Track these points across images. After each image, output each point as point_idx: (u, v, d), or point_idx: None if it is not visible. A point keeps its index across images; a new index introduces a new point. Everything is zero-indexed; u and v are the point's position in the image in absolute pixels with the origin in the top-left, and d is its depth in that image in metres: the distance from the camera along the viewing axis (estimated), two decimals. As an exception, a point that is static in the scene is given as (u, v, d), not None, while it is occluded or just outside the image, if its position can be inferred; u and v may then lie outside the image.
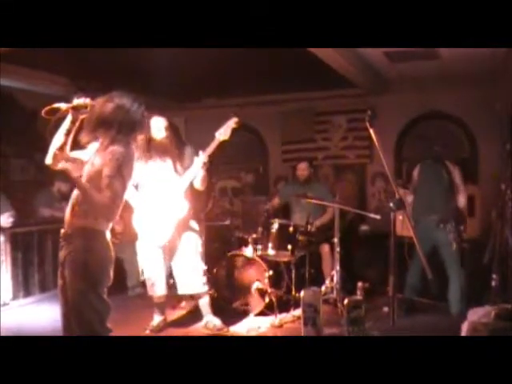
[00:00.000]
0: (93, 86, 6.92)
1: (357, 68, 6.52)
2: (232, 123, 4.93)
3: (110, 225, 3.13)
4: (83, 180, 3.06)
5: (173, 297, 5.60)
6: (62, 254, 3.09)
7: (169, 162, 5.01)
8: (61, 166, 3.14)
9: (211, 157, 4.92)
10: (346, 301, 3.23)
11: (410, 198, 5.74)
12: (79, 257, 2.99)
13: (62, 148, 3.14)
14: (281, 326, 5.29)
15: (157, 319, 5.27)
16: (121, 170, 3.00)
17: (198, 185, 5.01)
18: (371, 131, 3.46)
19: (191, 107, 8.92)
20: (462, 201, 5.58)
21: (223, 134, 4.90)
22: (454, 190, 5.55)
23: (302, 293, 3.74)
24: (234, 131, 4.97)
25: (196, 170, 4.89)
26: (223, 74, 7.01)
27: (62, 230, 3.12)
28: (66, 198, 6.83)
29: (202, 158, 4.86)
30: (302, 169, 6.70)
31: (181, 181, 4.95)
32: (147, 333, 5.13)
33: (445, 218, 5.43)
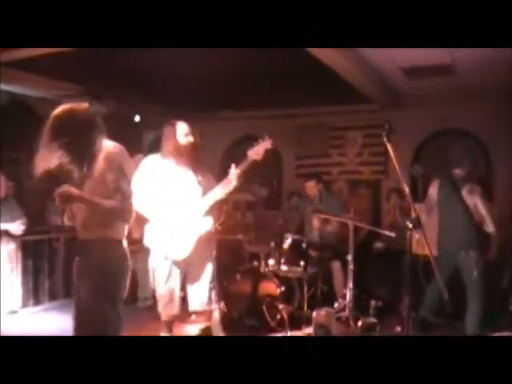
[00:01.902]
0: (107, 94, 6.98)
1: (373, 83, 6.48)
2: (267, 144, 4.79)
3: (126, 231, 3.09)
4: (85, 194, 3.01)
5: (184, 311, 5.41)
6: (78, 265, 3.04)
7: (190, 173, 4.78)
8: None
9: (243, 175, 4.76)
10: (359, 323, 3.14)
11: (423, 216, 5.56)
12: (98, 269, 2.95)
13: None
14: (291, 343, 5.21)
15: None
16: (122, 168, 2.99)
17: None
18: (388, 146, 3.39)
19: (207, 119, 8.90)
20: (489, 227, 5.34)
21: (256, 153, 4.75)
22: (477, 218, 5.37)
23: (314, 313, 3.64)
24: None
25: (224, 188, 4.73)
26: (239, 86, 6.99)
27: (77, 242, 3.08)
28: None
29: (236, 172, 4.69)
30: (311, 187, 6.62)
31: (206, 197, 4.77)
32: None
33: (467, 245, 5.26)
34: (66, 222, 3.17)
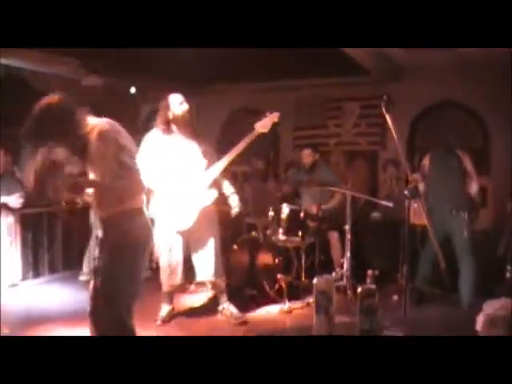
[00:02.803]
0: (103, 67, 6.94)
1: (371, 55, 6.45)
2: (274, 117, 4.89)
3: (145, 198, 3.12)
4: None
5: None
6: (101, 236, 3.08)
7: (193, 143, 4.90)
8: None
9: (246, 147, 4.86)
10: (359, 289, 3.19)
11: (420, 185, 5.67)
12: (121, 241, 2.99)
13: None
14: (290, 311, 5.28)
15: (165, 309, 5.10)
16: (118, 142, 2.97)
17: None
18: (387, 117, 3.40)
19: (202, 92, 8.86)
20: (473, 188, 5.49)
21: (264, 126, 4.85)
22: (466, 178, 5.49)
23: (315, 280, 3.67)
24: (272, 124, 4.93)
25: (229, 159, 4.85)
26: (235, 58, 6.94)
27: (99, 220, 3.12)
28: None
29: (238, 149, 4.81)
30: (306, 155, 6.65)
31: (213, 168, 4.86)
32: (158, 324, 4.98)
33: (457, 205, 5.38)
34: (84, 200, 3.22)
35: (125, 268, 2.99)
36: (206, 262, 4.96)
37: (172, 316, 5.14)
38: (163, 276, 4.99)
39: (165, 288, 5.07)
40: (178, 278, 4.98)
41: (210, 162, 4.90)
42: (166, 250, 4.91)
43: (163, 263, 4.96)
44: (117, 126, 3.08)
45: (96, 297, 3.06)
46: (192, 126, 4.93)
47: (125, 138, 3.07)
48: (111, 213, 3.03)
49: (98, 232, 3.13)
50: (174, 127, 4.85)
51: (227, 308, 5.12)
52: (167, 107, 4.80)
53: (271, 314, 5.29)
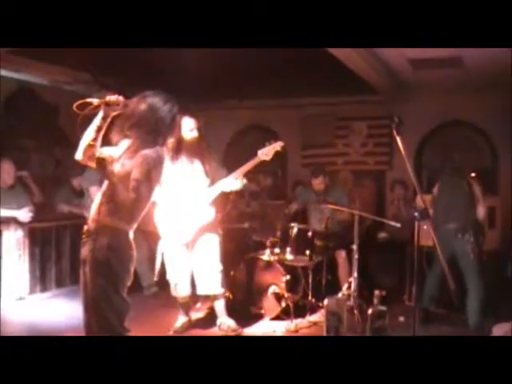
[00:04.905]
0: (114, 83, 6.98)
1: (380, 74, 6.49)
2: (277, 146, 5.01)
3: (135, 225, 3.12)
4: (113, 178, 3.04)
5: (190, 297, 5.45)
6: (84, 250, 3.07)
7: (197, 162, 5.07)
8: (91, 163, 3.14)
9: (248, 173, 5.02)
10: (369, 311, 3.19)
11: (430, 210, 5.70)
12: (101, 254, 2.97)
13: (92, 144, 3.09)
14: (296, 331, 5.26)
15: (181, 320, 5.28)
16: (149, 174, 2.98)
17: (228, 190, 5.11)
18: (398, 139, 3.41)
19: (210, 109, 8.90)
20: (481, 212, 5.50)
21: (266, 154, 4.97)
22: (473, 202, 5.49)
23: (326, 301, 3.67)
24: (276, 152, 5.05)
25: (230, 182, 4.99)
26: (244, 75, 6.99)
27: (86, 227, 3.10)
28: (83, 194, 6.86)
29: (239, 172, 4.97)
30: (318, 183, 6.61)
31: (212, 188, 5.02)
32: (170, 333, 5.11)
33: (463, 227, 5.38)
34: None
35: (109, 282, 2.98)
36: (206, 276, 5.09)
37: (186, 328, 5.26)
38: (171, 288, 5.19)
39: (179, 300, 5.26)
40: (184, 291, 5.16)
41: (215, 180, 5.06)
42: (172, 262, 5.09)
43: (169, 276, 5.16)
44: (160, 158, 3.09)
45: (87, 312, 3.07)
46: (198, 148, 5.07)
47: (157, 172, 3.07)
48: (98, 224, 3.02)
49: (83, 249, 3.10)
50: (181, 148, 5.00)
51: (224, 323, 5.19)
52: (178, 131, 4.90)
53: (277, 333, 5.27)
